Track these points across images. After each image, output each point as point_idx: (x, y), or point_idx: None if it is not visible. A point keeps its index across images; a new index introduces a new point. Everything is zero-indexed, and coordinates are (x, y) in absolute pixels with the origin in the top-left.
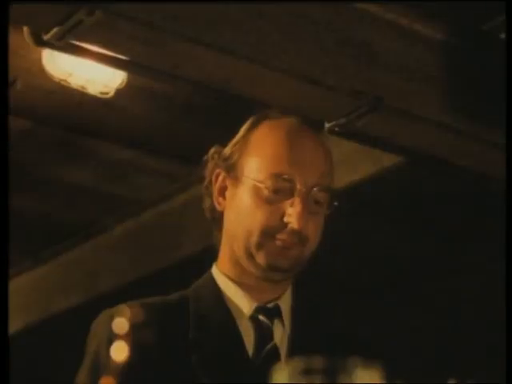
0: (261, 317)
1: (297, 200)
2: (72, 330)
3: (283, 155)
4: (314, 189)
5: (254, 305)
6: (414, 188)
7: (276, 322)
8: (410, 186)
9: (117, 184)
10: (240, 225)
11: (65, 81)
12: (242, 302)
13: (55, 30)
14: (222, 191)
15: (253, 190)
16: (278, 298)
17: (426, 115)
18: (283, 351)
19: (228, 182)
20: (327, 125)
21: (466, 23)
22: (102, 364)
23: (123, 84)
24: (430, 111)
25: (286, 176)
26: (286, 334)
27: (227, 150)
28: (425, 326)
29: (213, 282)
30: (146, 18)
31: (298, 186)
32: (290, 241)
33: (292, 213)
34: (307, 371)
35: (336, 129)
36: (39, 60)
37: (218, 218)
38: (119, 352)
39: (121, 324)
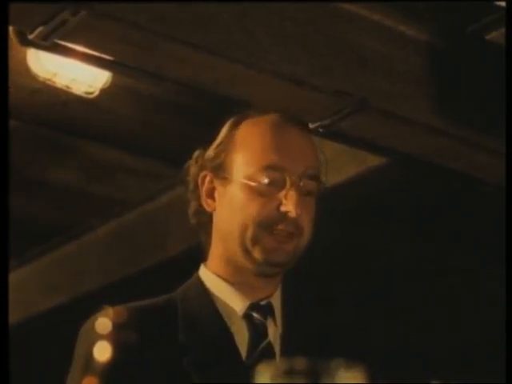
0: (255, 314)
1: (291, 188)
2: (57, 330)
3: (271, 147)
4: (304, 177)
5: (248, 302)
6: (398, 189)
7: (269, 319)
8: (395, 187)
9: (102, 184)
10: (234, 222)
11: (50, 80)
12: (234, 301)
13: (40, 29)
14: (211, 193)
15: (245, 185)
16: (271, 295)
17: (411, 116)
18: (277, 349)
19: (216, 183)
20: (312, 125)
21: (451, 25)
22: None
23: (108, 84)
24: (415, 112)
25: (276, 166)
26: (278, 332)
27: (211, 152)
28: (409, 326)
29: (200, 282)
30: (132, 19)
31: (290, 175)
32: (287, 231)
33: (288, 201)
34: (289, 372)
35: (320, 129)
36: (24, 59)
37: (205, 221)
38: (102, 352)
39: (104, 324)
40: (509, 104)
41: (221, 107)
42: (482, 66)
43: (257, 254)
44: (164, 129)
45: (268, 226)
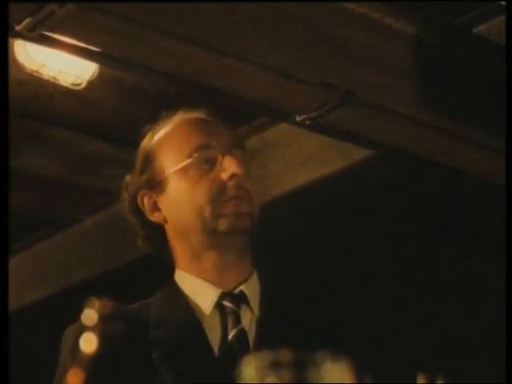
0: (226, 302)
1: (223, 155)
2: (44, 322)
3: (193, 132)
4: (232, 147)
5: (220, 291)
6: (384, 182)
7: (243, 307)
8: (381, 180)
9: (88, 176)
10: (188, 212)
11: (37, 72)
12: (205, 294)
13: (27, 20)
14: (154, 206)
15: (182, 175)
16: (243, 282)
17: (397, 109)
18: (252, 336)
19: (155, 195)
20: (298, 118)
21: (439, 18)
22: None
23: (95, 76)
24: (402, 105)
25: (206, 145)
26: (254, 319)
27: (139, 173)
28: (395, 322)
29: (173, 284)
30: (118, 10)
31: (219, 147)
32: (238, 195)
33: (226, 166)
34: (275, 364)
35: (307, 122)
36: (11, 51)
37: (157, 232)
38: (88, 343)
39: (90, 316)
40: (508, 102)
41: (207, 100)
42: (470, 59)
43: (222, 226)
44: (150, 120)
45: (220, 197)
